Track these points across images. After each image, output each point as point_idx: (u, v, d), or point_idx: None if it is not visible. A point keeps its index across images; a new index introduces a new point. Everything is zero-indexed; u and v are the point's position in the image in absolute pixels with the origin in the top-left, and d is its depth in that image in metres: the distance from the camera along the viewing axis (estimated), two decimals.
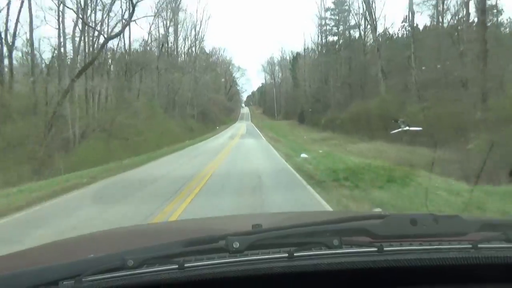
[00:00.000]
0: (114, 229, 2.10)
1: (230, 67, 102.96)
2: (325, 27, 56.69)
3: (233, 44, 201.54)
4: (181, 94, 41.42)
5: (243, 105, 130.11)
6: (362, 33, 45.36)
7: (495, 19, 27.57)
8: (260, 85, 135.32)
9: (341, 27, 54.71)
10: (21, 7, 20.33)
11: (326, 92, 50.28)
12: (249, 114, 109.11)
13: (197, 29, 54.47)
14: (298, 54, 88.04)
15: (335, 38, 56.21)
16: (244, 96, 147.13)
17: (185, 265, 0.87)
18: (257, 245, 0.91)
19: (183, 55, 53.96)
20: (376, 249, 0.93)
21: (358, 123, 32.44)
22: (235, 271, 0.89)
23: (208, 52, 72.49)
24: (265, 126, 57.31)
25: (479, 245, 0.95)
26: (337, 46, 55.54)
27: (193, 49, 54.02)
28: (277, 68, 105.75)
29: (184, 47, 50.40)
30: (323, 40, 57.28)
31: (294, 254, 0.91)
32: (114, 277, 0.85)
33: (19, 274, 0.90)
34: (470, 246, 0.96)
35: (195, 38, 53.58)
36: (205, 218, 3.19)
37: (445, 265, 0.93)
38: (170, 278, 0.87)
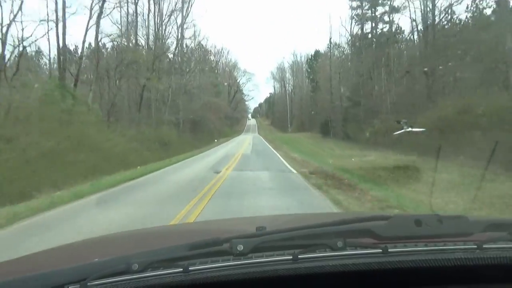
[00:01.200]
0: (118, 233, 2.00)
1: (235, 72, 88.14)
2: (359, 10, 41.62)
3: (239, 53, 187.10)
4: (151, 88, 26.24)
5: (249, 117, 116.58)
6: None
7: None
8: (268, 95, 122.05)
9: (379, 9, 39.64)
10: None
11: (371, 90, 34.68)
12: (256, 125, 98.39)
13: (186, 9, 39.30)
14: (317, 52, 73.23)
15: (369, 24, 41.17)
16: (250, 105, 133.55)
17: (190, 268, 0.87)
18: (261, 247, 0.90)
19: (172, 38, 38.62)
20: (380, 250, 0.92)
21: (461, 137, 16.95)
22: (239, 274, 0.88)
23: (205, 45, 57.36)
24: (277, 140, 42.05)
25: (484, 246, 0.94)
26: (373, 32, 40.69)
27: (174, 18, 38.23)
28: (288, 75, 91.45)
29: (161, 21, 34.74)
30: (361, 26, 41.98)
31: (299, 257, 0.90)
32: (119, 281, 0.85)
33: (25, 278, 0.90)
34: (475, 246, 0.94)
35: (180, 13, 38.31)
36: (209, 220, 3.39)
37: (451, 266, 0.91)
38: (174, 281, 0.86)
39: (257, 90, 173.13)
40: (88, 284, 0.83)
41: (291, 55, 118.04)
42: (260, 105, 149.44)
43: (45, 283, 0.85)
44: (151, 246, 1.20)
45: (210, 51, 59.94)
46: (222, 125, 60.66)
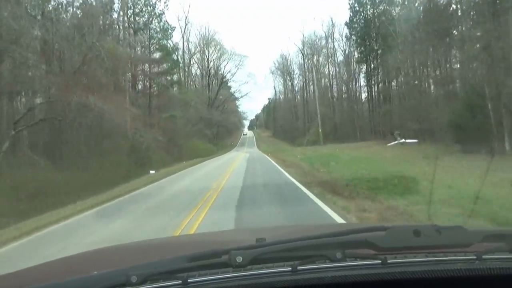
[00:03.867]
0: (117, 245, 1.98)
1: (217, 54, 56.58)
2: None
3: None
4: None
5: (245, 130, 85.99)
6: None
7: None
8: (267, 101, 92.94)
9: None
10: None
11: None
12: (253, 137, 78.56)
13: None
14: None
15: None
16: (244, 106, 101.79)
17: (189, 280, 0.86)
18: (261, 259, 0.89)
19: None
20: (380, 261, 0.92)
21: None
22: (238, 286, 0.87)
23: None
24: (336, 163, 16.89)
25: (484, 256, 0.94)
26: None
27: None
28: (295, 66, 61.26)
29: None
30: None
31: (298, 268, 0.90)
32: None
33: None
34: (475, 257, 0.94)
35: None
36: (209, 232, 3.37)
37: (451, 277, 0.91)
38: None
39: (254, 81, 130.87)
40: None
41: (299, 33, 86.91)
42: (257, 116, 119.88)
43: None
44: (149, 258, 1.19)
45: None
46: (186, 135, 28.75)
